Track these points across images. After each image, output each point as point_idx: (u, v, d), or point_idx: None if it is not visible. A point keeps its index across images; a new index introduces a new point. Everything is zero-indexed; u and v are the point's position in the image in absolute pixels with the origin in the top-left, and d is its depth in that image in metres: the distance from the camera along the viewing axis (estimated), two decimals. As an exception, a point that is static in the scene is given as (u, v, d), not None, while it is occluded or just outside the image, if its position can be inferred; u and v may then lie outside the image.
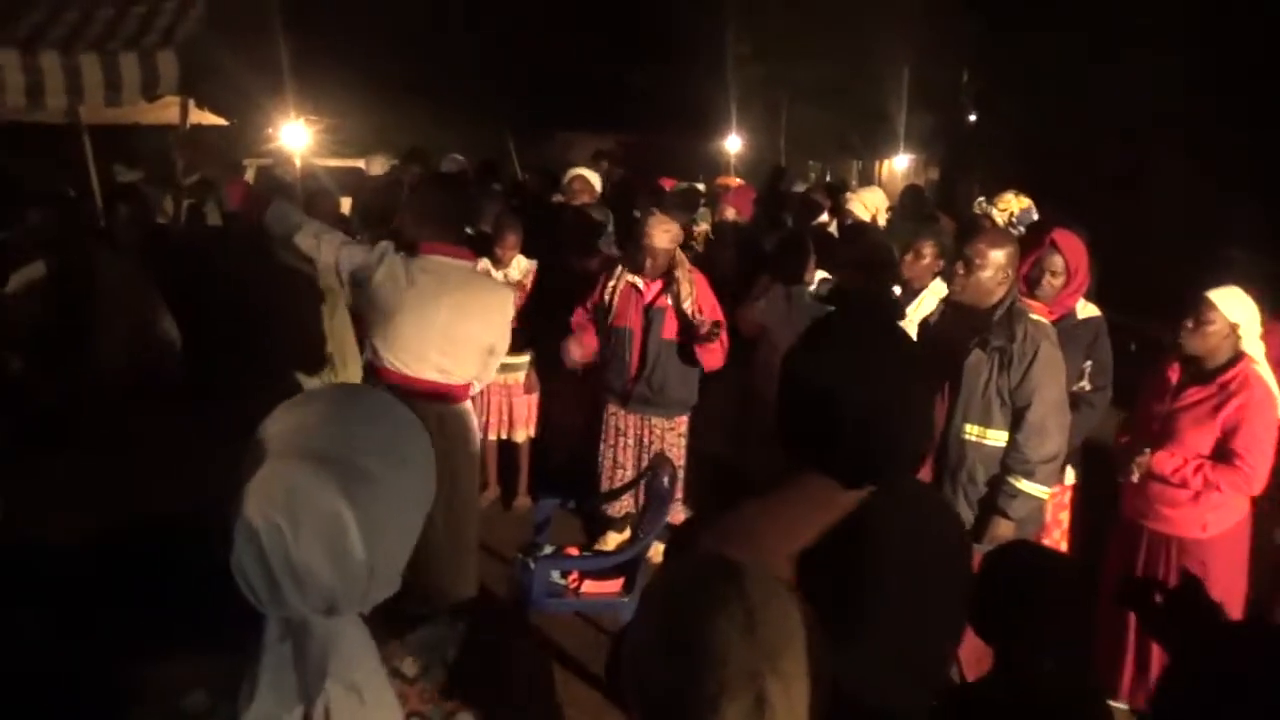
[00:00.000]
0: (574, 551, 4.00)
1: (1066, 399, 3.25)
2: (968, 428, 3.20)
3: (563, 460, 5.31)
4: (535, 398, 5.25)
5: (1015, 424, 3.15)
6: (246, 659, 1.05)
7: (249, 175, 8.16)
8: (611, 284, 4.52)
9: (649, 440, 4.59)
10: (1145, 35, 10.79)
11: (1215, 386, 3.26)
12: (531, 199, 7.05)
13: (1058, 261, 3.65)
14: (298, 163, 8.84)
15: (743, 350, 4.61)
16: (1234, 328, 3.24)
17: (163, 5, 5.11)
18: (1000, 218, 4.89)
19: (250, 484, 1.05)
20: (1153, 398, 3.46)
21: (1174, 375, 3.40)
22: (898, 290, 4.41)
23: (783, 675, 0.98)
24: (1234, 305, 3.24)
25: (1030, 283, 3.64)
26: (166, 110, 5.38)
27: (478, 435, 3.64)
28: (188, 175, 5.58)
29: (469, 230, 4.63)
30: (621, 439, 4.63)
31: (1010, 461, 3.15)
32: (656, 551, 3.88)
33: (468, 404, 3.52)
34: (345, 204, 7.89)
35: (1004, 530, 3.15)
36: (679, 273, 4.43)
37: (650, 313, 4.46)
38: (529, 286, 4.97)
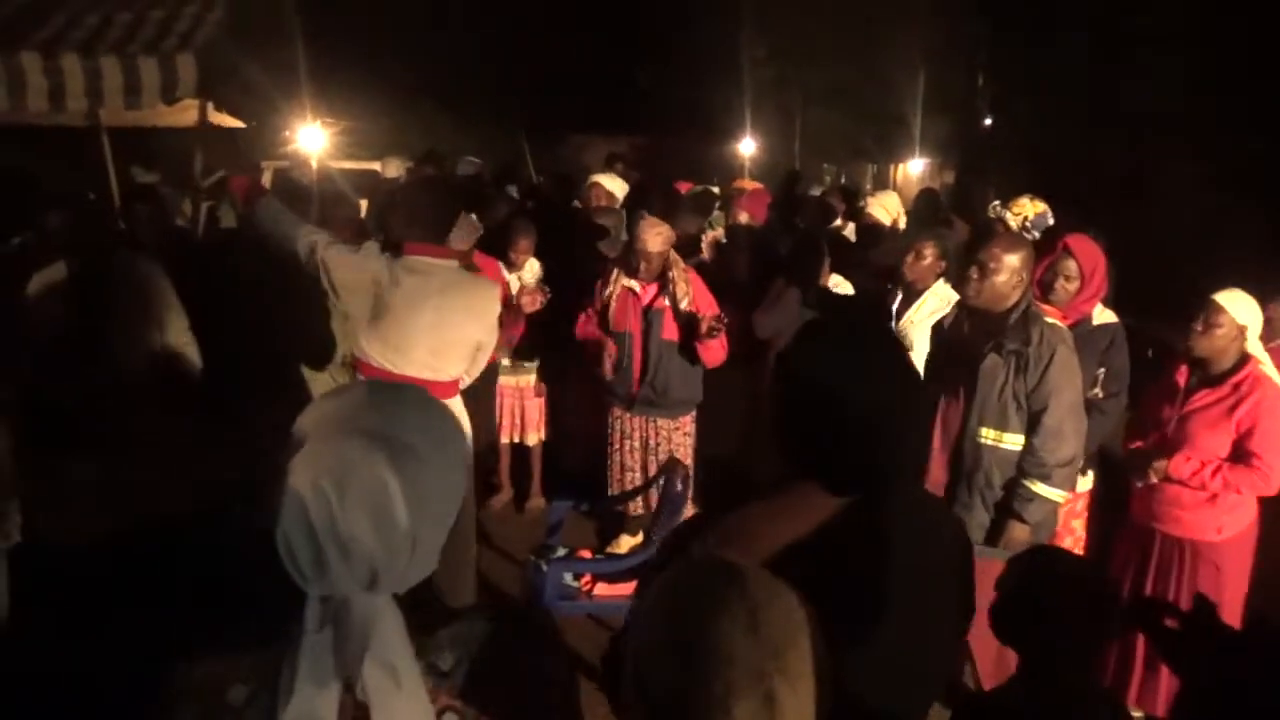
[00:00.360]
0: (587, 554, 4.01)
1: (1083, 403, 3.24)
2: (984, 431, 3.19)
3: (575, 463, 5.31)
4: (545, 401, 5.27)
5: (1031, 427, 3.14)
6: (285, 649, 1.07)
7: (266, 178, 8.21)
8: (608, 289, 4.53)
9: (655, 442, 4.60)
10: (1161, 37, 10.72)
11: (1227, 388, 3.26)
12: (545, 202, 7.07)
13: (1071, 266, 3.64)
14: (314, 165, 8.88)
15: (752, 352, 4.59)
16: (1242, 330, 3.26)
17: (182, 9, 5.18)
18: (1014, 222, 4.86)
19: (296, 459, 1.07)
20: (1161, 401, 3.46)
21: (1182, 379, 3.40)
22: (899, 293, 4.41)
23: (789, 673, 0.98)
24: (1241, 307, 3.26)
25: (1044, 287, 3.63)
26: (185, 113, 5.42)
27: (467, 431, 3.63)
28: (206, 177, 5.62)
29: (480, 230, 4.65)
30: (627, 442, 4.64)
31: (1026, 465, 3.15)
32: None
33: (458, 399, 3.50)
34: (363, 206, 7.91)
35: (1019, 534, 3.14)
36: (674, 273, 4.44)
37: (649, 315, 4.47)
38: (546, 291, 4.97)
